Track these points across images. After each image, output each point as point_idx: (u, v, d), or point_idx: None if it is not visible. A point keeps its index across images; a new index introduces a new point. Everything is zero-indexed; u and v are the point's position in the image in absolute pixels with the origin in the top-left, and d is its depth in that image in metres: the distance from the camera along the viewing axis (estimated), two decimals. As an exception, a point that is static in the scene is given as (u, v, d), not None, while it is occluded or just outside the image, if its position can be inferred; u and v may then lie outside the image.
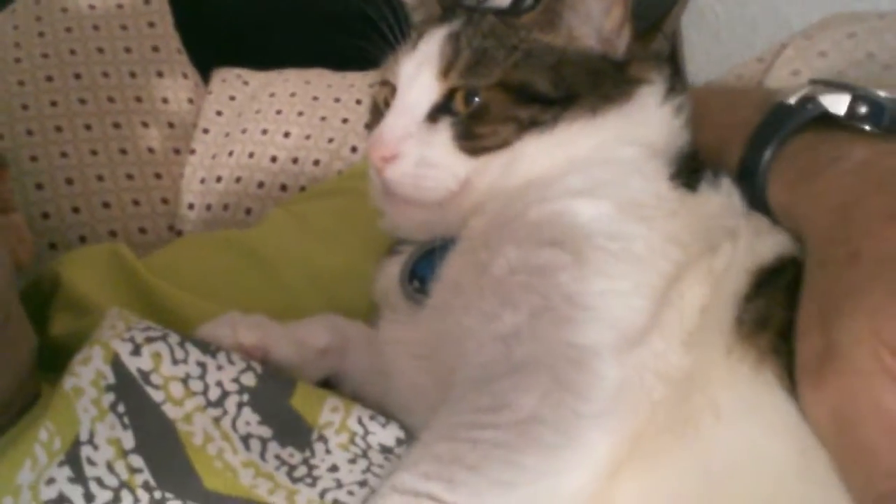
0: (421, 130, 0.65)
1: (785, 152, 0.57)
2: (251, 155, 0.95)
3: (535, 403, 0.50)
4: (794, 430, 0.47)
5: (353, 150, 0.93)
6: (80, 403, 0.54)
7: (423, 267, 0.68)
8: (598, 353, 0.51)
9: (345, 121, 0.95)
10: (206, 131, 1.01)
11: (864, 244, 0.46)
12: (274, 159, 0.93)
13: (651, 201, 0.59)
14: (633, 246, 0.56)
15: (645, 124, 0.65)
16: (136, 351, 0.56)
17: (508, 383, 0.52)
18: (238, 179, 0.94)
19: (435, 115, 0.65)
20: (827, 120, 0.57)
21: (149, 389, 0.55)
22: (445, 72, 0.65)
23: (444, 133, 0.64)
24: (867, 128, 0.54)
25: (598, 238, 0.57)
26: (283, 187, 0.93)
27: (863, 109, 0.55)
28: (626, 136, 0.64)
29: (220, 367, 0.57)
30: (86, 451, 0.52)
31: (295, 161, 0.93)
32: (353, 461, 0.57)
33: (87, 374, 0.54)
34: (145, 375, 0.55)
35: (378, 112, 0.71)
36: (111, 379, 0.55)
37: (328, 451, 0.57)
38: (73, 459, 0.52)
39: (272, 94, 1.00)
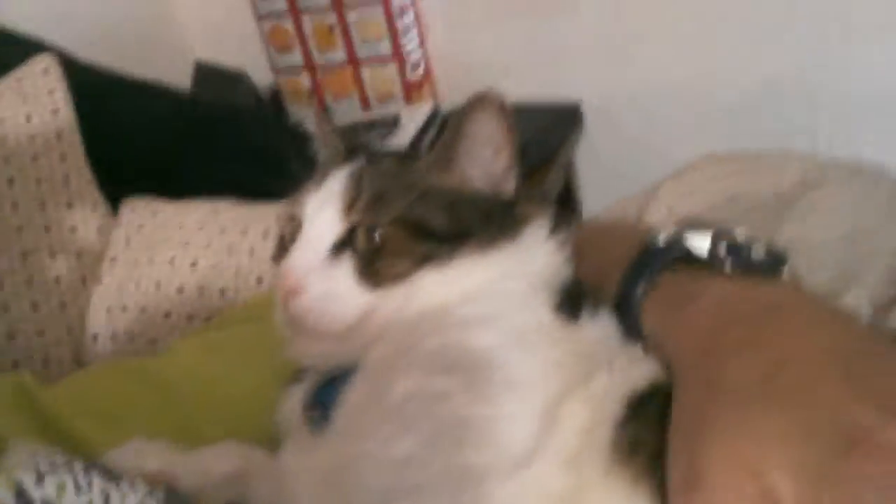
0: (324, 265, 0.68)
1: (655, 287, 0.62)
2: (158, 285, 0.97)
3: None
4: None
5: (259, 280, 0.96)
6: None
7: (325, 394, 0.70)
8: (487, 475, 0.54)
9: (251, 251, 0.98)
10: (113, 260, 1.02)
11: (719, 375, 0.51)
12: (181, 289, 0.96)
13: (535, 331, 0.63)
14: (519, 373, 0.60)
15: (531, 260, 0.70)
16: (40, 480, 0.57)
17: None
18: (144, 309, 0.95)
19: (338, 249, 0.69)
20: (691, 257, 0.63)
21: None
22: (348, 209, 0.69)
23: (345, 267, 0.68)
24: (726, 267, 0.60)
25: (486, 366, 0.61)
26: (190, 317, 0.94)
27: (722, 250, 0.62)
28: (514, 271, 0.69)
29: (123, 495, 0.58)
30: None
31: (201, 291, 0.95)
32: None
33: None
34: None
35: (284, 246, 0.75)
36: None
37: None
38: None
39: (180, 225, 1.03)
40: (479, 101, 0.69)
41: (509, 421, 0.57)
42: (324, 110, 1.42)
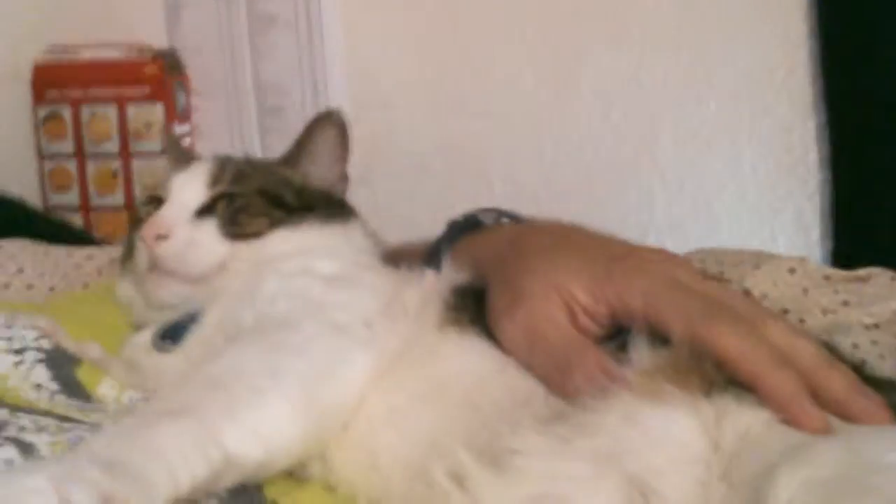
0: (190, 221, 0.84)
1: (456, 244, 0.85)
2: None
3: (316, 329, 0.67)
4: (487, 355, 0.70)
5: (86, 286, 1.04)
6: None
7: (173, 331, 0.82)
8: (351, 324, 0.71)
9: (64, 276, 1.07)
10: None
11: (530, 246, 0.75)
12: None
13: (374, 265, 0.83)
14: (365, 280, 0.79)
15: (357, 240, 0.90)
16: None
17: (292, 329, 0.69)
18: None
19: (202, 213, 0.84)
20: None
21: None
22: (214, 182, 0.86)
23: (210, 223, 0.84)
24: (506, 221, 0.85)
25: (338, 276, 0.79)
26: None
27: (504, 220, 0.86)
28: (347, 243, 0.88)
29: (24, 327, 0.67)
30: None
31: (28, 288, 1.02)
32: None
33: None
34: None
35: (140, 221, 0.89)
36: None
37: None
38: None
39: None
40: (325, 118, 0.91)
41: (363, 301, 0.75)
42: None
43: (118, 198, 1.80)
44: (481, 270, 0.77)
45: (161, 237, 0.81)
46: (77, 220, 1.82)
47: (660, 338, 0.62)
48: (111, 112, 1.79)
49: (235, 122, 1.84)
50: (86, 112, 1.80)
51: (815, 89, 1.51)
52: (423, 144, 1.77)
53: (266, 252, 0.84)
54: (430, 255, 0.86)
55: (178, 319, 0.83)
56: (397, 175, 1.78)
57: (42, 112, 1.80)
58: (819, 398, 0.56)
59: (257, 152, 1.79)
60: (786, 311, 0.95)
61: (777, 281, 0.99)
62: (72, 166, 1.81)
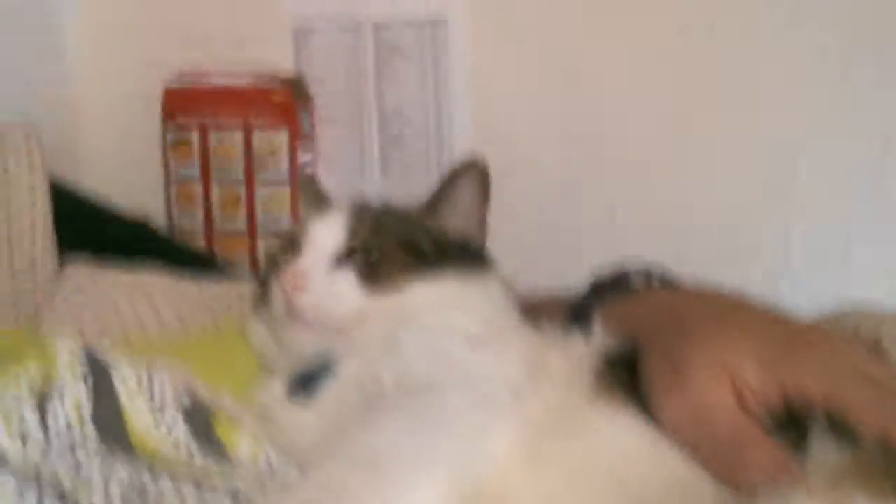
0: (328, 271, 0.82)
1: (605, 306, 0.81)
2: (101, 333, 1.03)
3: (461, 399, 0.65)
4: (644, 434, 0.65)
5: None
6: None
7: (307, 381, 0.81)
8: (497, 394, 0.68)
9: (194, 312, 1.08)
10: (65, 300, 1.08)
11: (692, 318, 0.70)
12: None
13: (516, 325, 0.80)
14: (509, 343, 0.76)
15: (497, 297, 0.87)
16: (101, 350, 0.64)
17: (434, 392, 0.66)
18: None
19: (339, 264, 0.83)
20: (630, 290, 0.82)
21: (113, 374, 0.63)
22: (353, 233, 0.85)
23: (348, 274, 0.82)
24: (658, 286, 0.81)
25: (481, 337, 0.76)
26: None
27: (655, 283, 0.82)
28: (486, 298, 0.85)
29: (163, 383, 0.66)
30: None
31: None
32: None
33: (64, 346, 0.62)
34: (109, 366, 0.64)
35: (276, 265, 0.88)
36: (83, 358, 0.62)
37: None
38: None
39: (121, 287, 1.12)
40: (469, 166, 0.89)
41: (508, 367, 0.71)
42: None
43: (241, 222, 1.83)
44: (636, 338, 0.73)
45: (299, 287, 0.80)
46: (200, 242, 1.85)
47: (841, 437, 0.57)
48: (238, 137, 1.81)
49: (358, 149, 1.84)
50: (213, 137, 1.83)
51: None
52: (544, 179, 1.73)
53: (405, 304, 0.82)
54: (574, 316, 0.82)
55: (311, 369, 0.81)
56: (515, 200, 1.74)
57: (170, 135, 1.84)
58: None
59: (378, 180, 1.80)
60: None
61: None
62: (197, 189, 1.85)
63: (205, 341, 0.99)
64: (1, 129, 1.24)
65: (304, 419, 0.77)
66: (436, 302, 0.82)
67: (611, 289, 0.83)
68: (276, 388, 0.82)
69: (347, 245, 0.84)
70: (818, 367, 0.61)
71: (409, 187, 1.67)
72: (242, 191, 1.82)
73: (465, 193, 0.89)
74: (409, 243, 0.85)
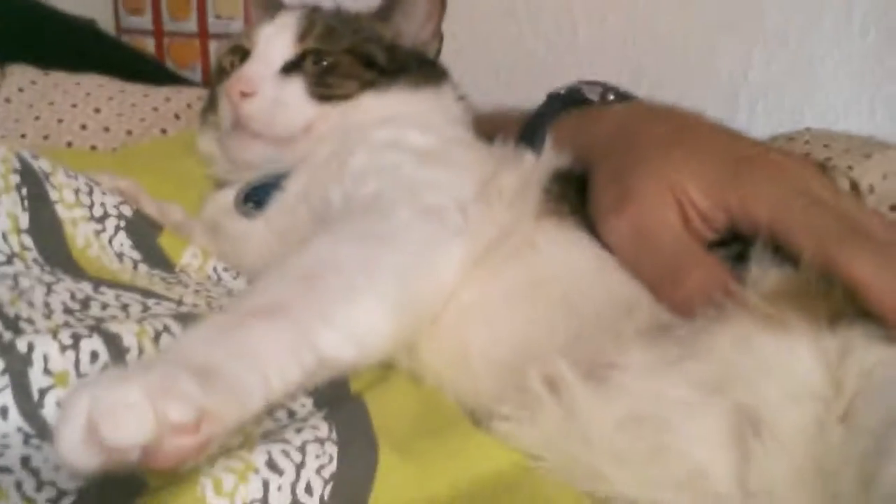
0: (276, 77, 0.79)
1: (558, 121, 0.79)
2: (46, 137, 1.00)
3: (409, 215, 0.64)
4: (588, 252, 0.66)
5: (163, 131, 1.02)
6: None
7: (257, 193, 0.80)
8: (445, 208, 0.67)
9: (154, 109, 1.04)
10: (7, 100, 1.04)
11: (643, 135, 0.69)
12: (84, 126, 0.99)
13: (468, 139, 0.79)
14: (458, 157, 0.74)
15: (450, 107, 0.85)
16: (35, 157, 0.62)
17: (383, 211, 0.66)
18: (45, 137, 0.98)
19: (288, 70, 0.80)
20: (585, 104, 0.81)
21: (47, 186, 0.61)
22: (302, 37, 0.81)
23: (297, 82, 0.79)
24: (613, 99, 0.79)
25: (431, 151, 0.74)
26: (93, 147, 0.98)
27: (611, 96, 0.80)
28: (439, 108, 0.84)
29: (104, 193, 0.65)
30: None
31: (106, 129, 1.00)
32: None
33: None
34: (45, 174, 0.62)
35: (224, 72, 0.85)
36: (17, 165, 0.60)
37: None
38: None
39: (77, 83, 1.07)
40: None
41: (457, 181, 0.70)
42: None
43: (191, 24, 1.76)
44: (586, 156, 0.72)
45: (246, 94, 0.78)
46: (149, 44, 1.78)
47: (783, 255, 0.58)
48: (186, -69, 1.72)
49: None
50: (160, -70, 1.73)
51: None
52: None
53: (355, 117, 0.80)
54: (528, 130, 0.81)
55: (261, 182, 0.80)
56: (479, 17, 1.69)
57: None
58: None
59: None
60: (893, 208, 0.90)
61: (888, 173, 0.93)
62: (144, -12, 1.76)
63: (153, 151, 0.96)
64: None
65: (252, 230, 0.76)
66: (387, 113, 0.80)
67: (565, 102, 0.81)
68: (224, 200, 0.81)
69: (297, 51, 0.81)
70: (765, 189, 0.60)
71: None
72: (192, -10, 1.74)
73: (417, 2, 0.85)
74: (362, 51, 0.82)
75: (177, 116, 1.05)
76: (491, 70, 1.70)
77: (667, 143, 0.67)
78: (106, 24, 1.78)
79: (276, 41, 0.82)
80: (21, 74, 1.12)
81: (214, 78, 0.88)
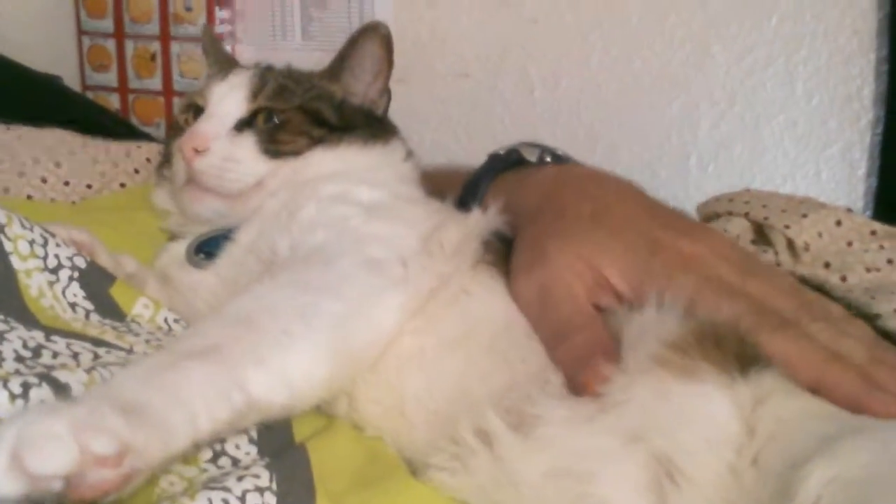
0: (229, 135, 0.82)
1: (496, 181, 0.83)
2: (6, 190, 1.01)
3: (352, 266, 0.66)
4: (507, 305, 0.69)
5: (122, 185, 1.03)
6: None
7: (208, 245, 0.82)
8: (388, 260, 0.69)
9: (115, 164, 1.05)
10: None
11: (559, 211, 0.72)
12: (44, 180, 1.00)
13: (414, 196, 0.82)
14: (404, 213, 0.77)
15: (399, 164, 0.88)
16: None
17: (326, 261, 0.68)
18: (6, 190, 0.99)
19: (240, 127, 0.83)
20: (524, 164, 0.84)
21: (1, 237, 0.62)
22: (254, 96, 0.84)
23: (248, 139, 0.82)
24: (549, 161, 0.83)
25: (379, 206, 0.77)
26: (52, 201, 0.99)
27: (548, 158, 0.84)
28: (388, 165, 0.86)
29: (58, 245, 0.66)
30: None
31: (66, 183, 1.01)
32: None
33: None
34: (0, 226, 0.63)
35: (179, 129, 0.87)
36: None
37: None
38: None
39: (38, 138, 1.08)
40: (369, 30, 0.88)
41: (401, 235, 0.73)
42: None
43: (156, 82, 1.78)
44: (515, 217, 0.75)
45: (199, 151, 0.80)
46: (114, 101, 1.81)
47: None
48: (152, -9, 1.75)
49: (278, 9, 1.79)
50: (127, -10, 1.76)
51: (881, 18, 1.45)
52: (464, 46, 1.72)
53: (305, 172, 0.82)
54: (468, 189, 0.84)
55: (212, 234, 0.82)
56: (437, 76, 1.74)
57: (82, -12, 1.77)
58: None
59: (299, 43, 1.76)
60: (827, 265, 0.93)
61: (822, 232, 0.97)
62: (111, 46, 1.79)
63: (111, 204, 0.98)
64: None
65: (202, 281, 0.78)
66: (336, 169, 0.83)
67: (505, 162, 0.84)
68: (176, 251, 0.83)
69: (249, 109, 0.84)
70: (680, 279, 0.63)
71: (328, 52, 1.67)
72: (158, 48, 1.77)
73: (367, 59, 0.89)
74: (312, 109, 0.85)
75: (136, 171, 1.06)
76: (449, 129, 1.74)
77: (589, 222, 0.70)
78: (71, 80, 1.81)
79: (229, 99, 0.84)
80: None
81: (169, 133, 0.91)
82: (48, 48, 1.78)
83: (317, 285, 0.64)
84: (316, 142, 0.84)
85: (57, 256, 0.66)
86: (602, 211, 0.71)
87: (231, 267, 0.77)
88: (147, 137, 1.43)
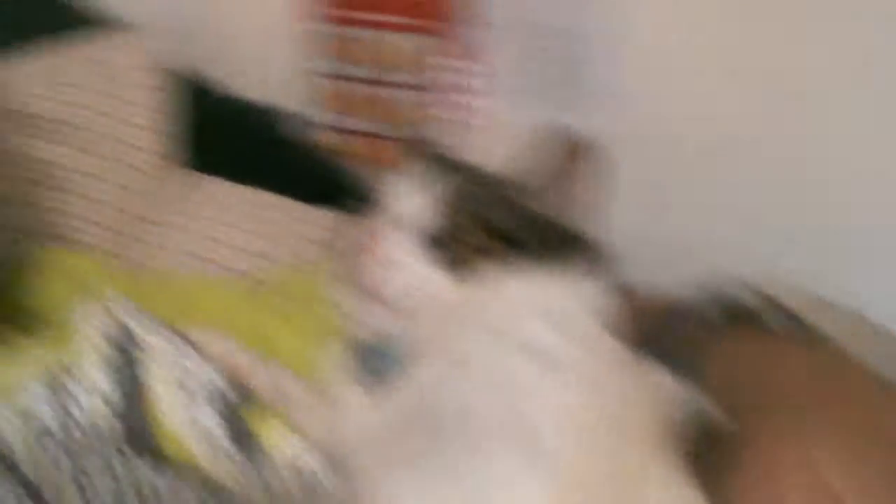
0: (412, 248, 0.76)
1: (721, 338, 0.72)
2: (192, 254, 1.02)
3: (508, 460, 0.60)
4: None
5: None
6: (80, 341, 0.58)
7: (378, 362, 0.76)
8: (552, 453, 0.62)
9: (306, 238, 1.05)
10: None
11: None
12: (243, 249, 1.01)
13: (597, 343, 0.73)
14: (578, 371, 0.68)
15: (593, 296, 0.78)
16: (137, 322, 0.61)
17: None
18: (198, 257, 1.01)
19: (428, 243, 0.76)
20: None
21: (137, 352, 0.60)
22: (448, 212, 0.77)
23: (436, 255, 0.76)
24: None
25: (551, 355, 0.69)
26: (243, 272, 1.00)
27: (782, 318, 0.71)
28: (577, 292, 0.77)
29: (198, 362, 0.63)
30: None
31: (259, 255, 1.01)
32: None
33: (93, 323, 0.59)
34: (141, 341, 0.60)
35: (368, 229, 0.82)
36: (114, 332, 0.59)
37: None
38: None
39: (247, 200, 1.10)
40: (583, 144, 0.78)
41: (564, 405, 0.64)
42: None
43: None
44: (728, 400, 0.64)
45: (383, 265, 0.75)
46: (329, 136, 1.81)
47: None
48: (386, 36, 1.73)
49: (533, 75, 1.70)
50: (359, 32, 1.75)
51: None
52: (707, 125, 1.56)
53: (489, 299, 0.75)
54: (669, 335, 0.74)
55: (382, 346, 0.77)
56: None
57: (315, 26, 1.77)
58: None
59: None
60: None
61: None
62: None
63: (286, 290, 0.95)
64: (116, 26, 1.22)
65: (360, 418, 0.73)
66: (521, 301, 0.75)
67: (726, 308, 0.73)
68: (343, 360, 0.78)
69: (440, 224, 0.77)
70: None
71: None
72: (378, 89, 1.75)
73: (578, 174, 0.80)
74: (500, 225, 0.77)
75: (311, 242, 1.03)
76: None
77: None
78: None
79: (422, 211, 0.78)
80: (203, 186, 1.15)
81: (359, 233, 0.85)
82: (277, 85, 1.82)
83: (469, 482, 0.59)
84: (508, 266, 0.76)
85: (197, 374, 0.62)
86: (872, 420, 0.61)
87: (396, 410, 0.72)
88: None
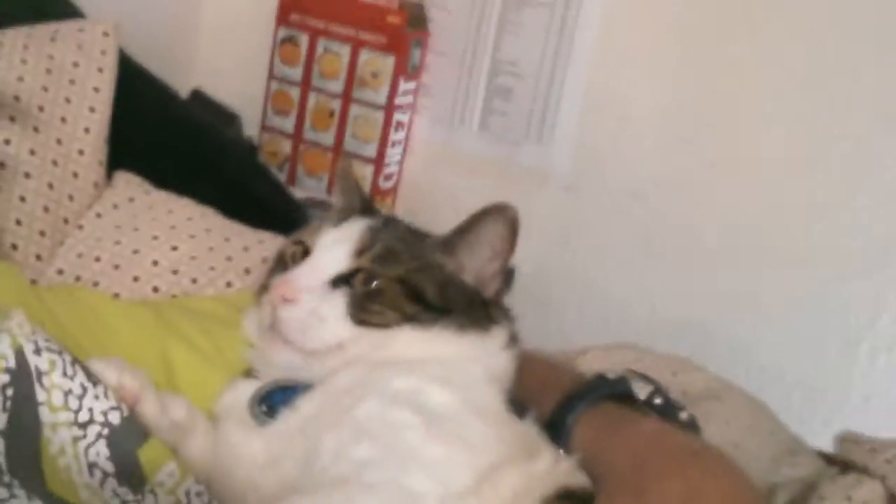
0: (322, 289, 0.78)
1: (594, 411, 0.75)
2: (135, 251, 1.03)
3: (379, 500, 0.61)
4: None
5: (228, 284, 1.03)
6: None
7: (275, 397, 0.78)
8: (426, 497, 0.63)
9: (229, 258, 1.06)
10: (98, 216, 1.08)
11: (646, 490, 0.64)
12: (155, 262, 1.02)
13: (490, 409, 0.75)
14: (472, 434, 0.70)
15: (493, 357, 0.81)
16: (37, 352, 0.62)
17: (360, 490, 0.63)
18: (116, 266, 1.01)
19: (337, 283, 0.79)
20: (628, 399, 0.76)
21: (37, 387, 0.61)
22: (359, 253, 0.80)
23: (340, 299, 0.78)
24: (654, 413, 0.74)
25: (445, 418, 0.71)
26: (155, 289, 1.00)
27: (657, 400, 0.75)
28: (479, 359, 0.80)
29: (96, 397, 0.64)
30: None
31: (174, 272, 1.02)
32: None
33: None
34: (39, 375, 0.62)
35: (283, 264, 0.85)
36: (11, 364, 0.60)
37: None
38: None
39: (170, 211, 1.10)
40: (497, 210, 0.82)
41: (455, 466, 0.67)
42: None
43: (329, 137, 1.80)
44: (597, 474, 0.68)
45: (287, 300, 0.77)
46: (286, 146, 1.84)
47: None
48: (345, 50, 1.77)
49: (462, 93, 1.76)
50: (321, 44, 1.79)
51: None
52: (642, 168, 1.64)
53: (386, 350, 0.78)
54: (563, 408, 0.77)
55: (282, 385, 0.79)
56: (608, 189, 1.67)
57: (281, 34, 1.81)
58: None
59: (475, 132, 1.73)
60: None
61: None
62: (295, 94, 1.82)
63: (208, 309, 0.97)
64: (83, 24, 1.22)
65: (248, 444, 0.75)
66: (419, 355, 0.77)
67: (610, 388, 0.77)
68: (242, 393, 0.80)
69: (350, 266, 0.80)
70: None
71: (504, 146, 1.64)
72: (337, 105, 1.78)
73: (488, 239, 0.82)
74: (413, 282, 0.80)
75: (247, 271, 1.05)
76: (606, 246, 1.67)
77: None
78: (252, 119, 1.86)
79: (335, 251, 0.80)
80: (137, 185, 1.16)
81: (274, 264, 0.88)
82: (241, 87, 1.85)
83: None
84: (408, 319, 0.78)
85: (91, 410, 0.63)
86: (694, 497, 0.64)
87: (279, 441, 0.73)
88: (298, 210, 1.44)
